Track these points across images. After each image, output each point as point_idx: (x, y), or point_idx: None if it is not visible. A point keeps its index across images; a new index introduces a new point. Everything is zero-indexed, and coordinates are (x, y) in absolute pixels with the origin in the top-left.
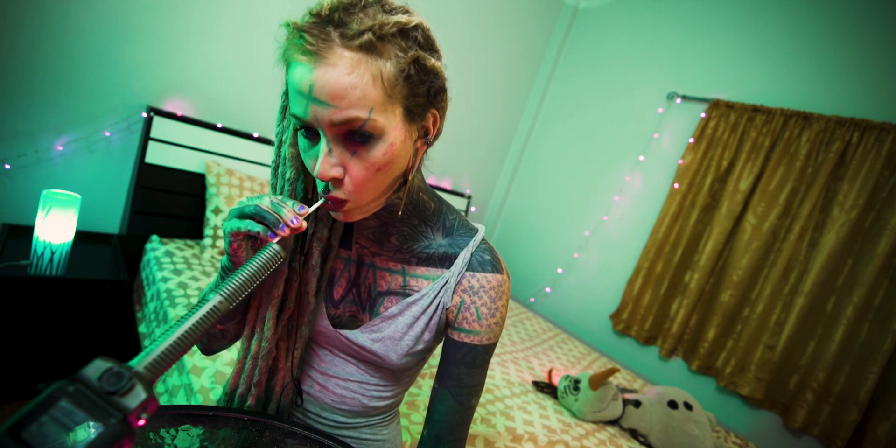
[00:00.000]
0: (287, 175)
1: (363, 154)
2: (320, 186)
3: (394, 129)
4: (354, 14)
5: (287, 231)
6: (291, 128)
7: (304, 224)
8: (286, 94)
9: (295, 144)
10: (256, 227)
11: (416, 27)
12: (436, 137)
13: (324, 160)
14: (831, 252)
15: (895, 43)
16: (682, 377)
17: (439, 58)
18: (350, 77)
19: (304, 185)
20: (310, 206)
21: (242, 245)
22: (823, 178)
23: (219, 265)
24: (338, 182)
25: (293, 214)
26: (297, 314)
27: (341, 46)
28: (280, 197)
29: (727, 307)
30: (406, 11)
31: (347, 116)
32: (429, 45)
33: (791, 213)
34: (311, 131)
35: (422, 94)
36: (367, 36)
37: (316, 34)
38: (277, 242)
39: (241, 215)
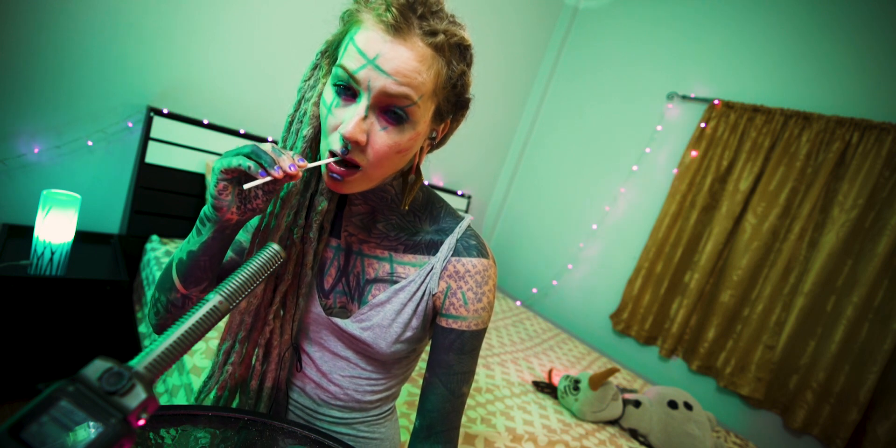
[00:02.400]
0: (303, 132)
1: (392, 132)
2: (338, 144)
3: (423, 122)
4: (433, 13)
5: (280, 174)
6: (318, 87)
7: (300, 174)
8: (323, 52)
9: (318, 103)
10: (248, 163)
11: (469, 47)
12: (440, 144)
13: (357, 121)
14: (831, 252)
15: (895, 43)
16: (682, 377)
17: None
18: (419, 64)
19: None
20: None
21: (229, 187)
22: (823, 178)
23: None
24: (357, 147)
25: (291, 161)
26: (293, 286)
27: (419, 37)
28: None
29: (727, 307)
30: (464, 29)
31: (402, 92)
32: (470, 63)
33: (791, 213)
34: (349, 90)
35: (452, 102)
36: (441, 37)
37: (402, 13)
38: (270, 182)
39: (238, 154)
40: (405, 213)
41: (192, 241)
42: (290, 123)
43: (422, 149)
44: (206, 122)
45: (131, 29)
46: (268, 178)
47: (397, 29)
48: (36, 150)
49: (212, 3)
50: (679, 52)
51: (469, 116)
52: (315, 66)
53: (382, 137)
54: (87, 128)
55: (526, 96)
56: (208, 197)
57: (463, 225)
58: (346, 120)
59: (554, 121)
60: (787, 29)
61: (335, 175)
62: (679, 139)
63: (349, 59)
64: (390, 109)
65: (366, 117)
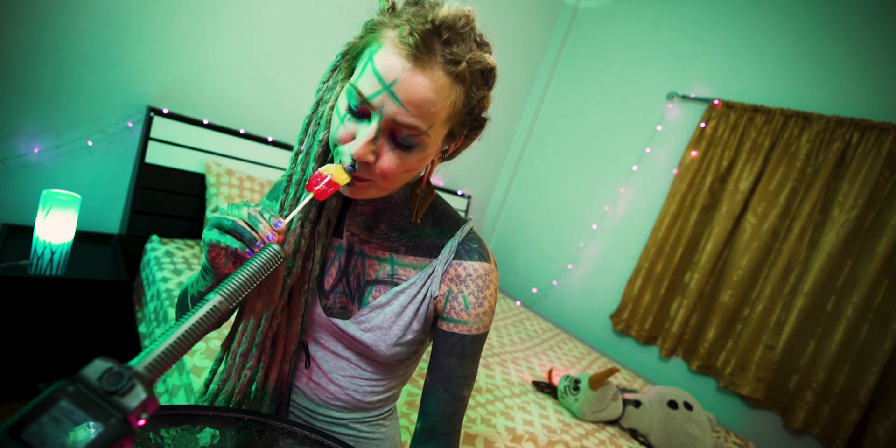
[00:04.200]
0: (319, 136)
1: (401, 154)
2: (347, 160)
3: (434, 145)
4: (459, 37)
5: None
6: (336, 89)
7: (282, 237)
8: (343, 54)
9: (334, 107)
10: (235, 245)
11: (493, 69)
12: (451, 157)
13: (366, 143)
14: (831, 252)
15: (895, 43)
16: (682, 377)
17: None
18: (434, 95)
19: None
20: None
21: (221, 253)
22: (823, 178)
23: None
24: (366, 166)
25: (269, 230)
26: (300, 282)
27: (440, 65)
28: (259, 208)
29: (727, 307)
30: (490, 51)
31: (411, 123)
32: (492, 86)
33: (791, 213)
34: (364, 109)
35: (468, 124)
36: (463, 66)
37: (426, 40)
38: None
39: (220, 228)
40: (407, 214)
41: (201, 283)
42: (308, 125)
43: (432, 162)
44: (206, 122)
45: (131, 29)
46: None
47: (417, 57)
48: (36, 150)
49: (212, 3)
50: (679, 52)
51: None
52: (335, 68)
53: (390, 158)
54: (87, 128)
55: (526, 96)
56: (203, 258)
57: (465, 228)
58: (357, 137)
59: (554, 121)
60: (787, 29)
61: (347, 186)
62: (679, 139)
63: (365, 83)
64: (399, 134)
65: (375, 138)
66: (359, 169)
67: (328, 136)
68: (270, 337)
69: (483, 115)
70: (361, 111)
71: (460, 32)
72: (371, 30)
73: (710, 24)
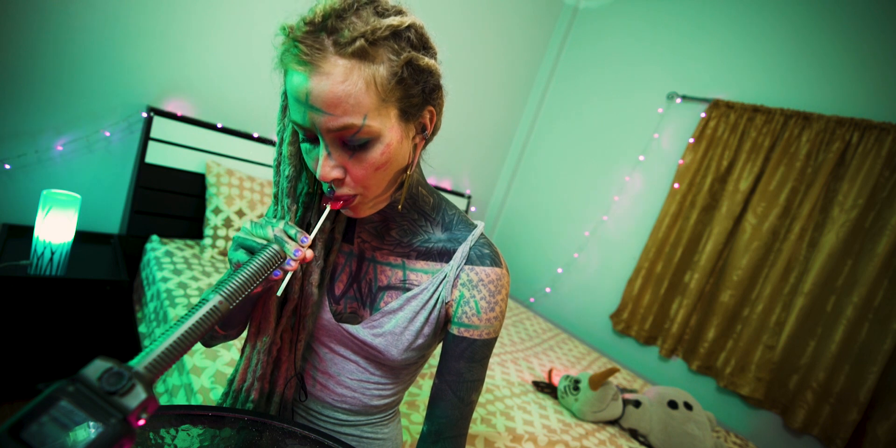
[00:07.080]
0: (287, 173)
1: (361, 156)
2: (324, 187)
3: (390, 131)
4: (347, 19)
5: (294, 265)
6: (291, 127)
7: (310, 254)
8: (285, 94)
9: (294, 143)
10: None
11: (409, 27)
12: (434, 133)
13: (324, 163)
14: (831, 252)
15: (895, 43)
16: (682, 377)
17: (434, 55)
18: (344, 85)
19: (305, 181)
20: (315, 222)
21: None
22: (823, 178)
23: (219, 265)
24: (339, 182)
25: (296, 246)
26: (300, 306)
27: (335, 54)
28: (281, 225)
29: (727, 307)
30: (399, 12)
31: (342, 124)
32: (422, 44)
33: (791, 213)
34: (310, 135)
35: (416, 94)
36: (360, 42)
37: (310, 44)
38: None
39: (247, 249)
40: (416, 218)
41: None
42: (277, 166)
43: (415, 146)
44: (206, 121)
45: (131, 29)
46: (289, 276)
47: (311, 61)
48: (36, 151)
49: (211, 3)
50: (679, 52)
51: (469, 116)
52: (283, 108)
53: (355, 164)
54: (87, 128)
55: (526, 96)
56: (225, 275)
57: (476, 233)
58: (319, 163)
59: (554, 121)
60: (787, 29)
61: (343, 209)
62: (679, 139)
63: (292, 110)
64: (346, 138)
65: (330, 154)
66: (338, 189)
67: (292, 172)
68: (267, 364)
69: (430, 78)
70: (310, 137)
71: (344, 15)
72: (280, 61)
73: (710, 24)
